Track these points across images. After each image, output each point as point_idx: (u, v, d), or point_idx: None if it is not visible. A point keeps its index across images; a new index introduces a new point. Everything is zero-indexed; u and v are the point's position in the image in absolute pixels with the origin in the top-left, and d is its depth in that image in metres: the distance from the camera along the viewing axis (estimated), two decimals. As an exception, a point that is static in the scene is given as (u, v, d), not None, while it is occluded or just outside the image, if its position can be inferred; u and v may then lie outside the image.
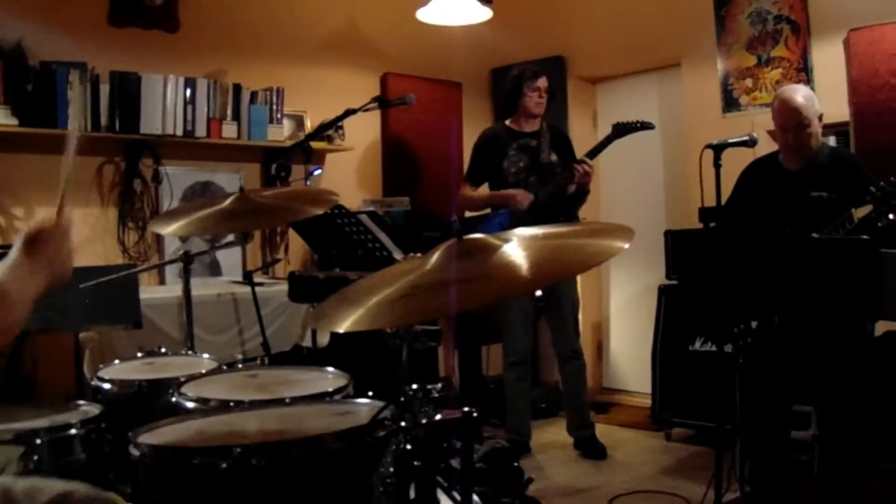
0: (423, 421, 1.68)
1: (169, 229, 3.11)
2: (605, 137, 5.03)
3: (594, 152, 5.02)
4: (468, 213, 5.38)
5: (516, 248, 1.67)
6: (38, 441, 2.27)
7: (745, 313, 3.43)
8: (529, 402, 5.33)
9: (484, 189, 5.29)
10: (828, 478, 3.48)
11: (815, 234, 3.34)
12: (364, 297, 1.71)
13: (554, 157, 5.11)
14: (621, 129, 5.01)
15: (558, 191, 5.02)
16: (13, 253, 1.72)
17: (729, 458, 3.51)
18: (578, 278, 5.43)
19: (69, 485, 1.88)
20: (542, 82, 5.12)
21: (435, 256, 1.73)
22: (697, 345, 5.12)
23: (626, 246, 1.62)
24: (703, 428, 5.11)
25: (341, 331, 1.62)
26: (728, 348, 3.52)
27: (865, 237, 2.94)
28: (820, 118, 3.73)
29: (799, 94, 3.75)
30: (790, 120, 3.68)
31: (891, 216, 3.24)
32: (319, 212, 2.81)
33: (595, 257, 1.67)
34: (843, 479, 3.45)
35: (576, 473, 4.85)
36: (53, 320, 3.71)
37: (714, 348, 4.97)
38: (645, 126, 5.04)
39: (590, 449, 5.15)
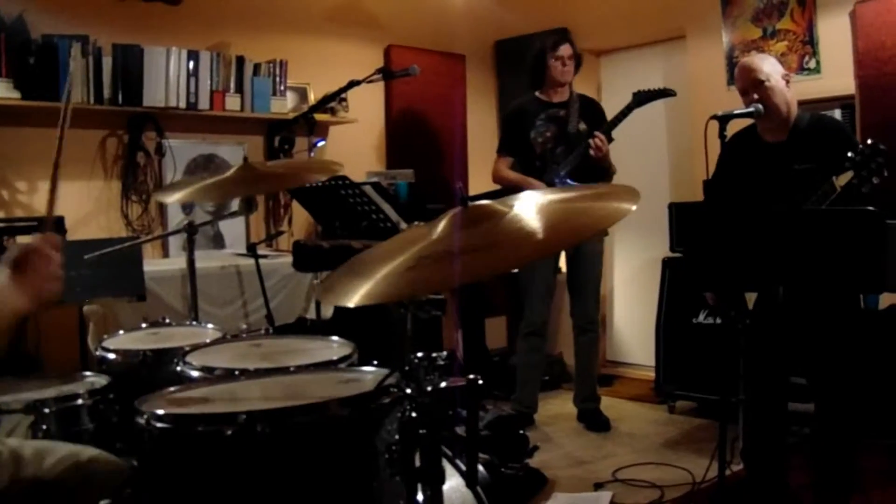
0: (429, 388, 1.67)
1: (173, 198, 3.11)
2: (626, 107, 4.94)
3: (614, 123, 4.96)
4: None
5: (523, 213, 1.65)
6: (47, 411, 2.28)
7: (750, 286, 3.41)
8: (540, 374, 5.34)
9: (514, 169, 5.20)
10: (820, 451, 3.48)
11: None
12: (371, 269, 1.69)
13: (583, 127, 5.06)
14: (642, 98, 4.94)
15: (583, 161, 4.95)
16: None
17: (733, 431, 3.50)
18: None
19: (80, 448, 1.89)
20: (565, 50, 5.07)
21: (441, 225, 1.71)
22: (701, 317, 5.13)
23: (634, 208, 1.59)
24: (707, 401, 5.13)
25: (351, 305, 1.61)
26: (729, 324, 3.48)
27: (871, 208, 2.89)
28: (787, 81, 3.54)
29: (755, 55, 3.68)
30: (746, 80, 3.53)
31: (874, 180, 3.10)
32: (323, 178, 2.78)
33: (603, 220, 1.65)
34: (836, 453, 3.44)
35: (580, 445, 4.87)
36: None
37: (718, 321, 4.97)
38: (666, 93, 4.98)
39: (594, 421, 5.17)
